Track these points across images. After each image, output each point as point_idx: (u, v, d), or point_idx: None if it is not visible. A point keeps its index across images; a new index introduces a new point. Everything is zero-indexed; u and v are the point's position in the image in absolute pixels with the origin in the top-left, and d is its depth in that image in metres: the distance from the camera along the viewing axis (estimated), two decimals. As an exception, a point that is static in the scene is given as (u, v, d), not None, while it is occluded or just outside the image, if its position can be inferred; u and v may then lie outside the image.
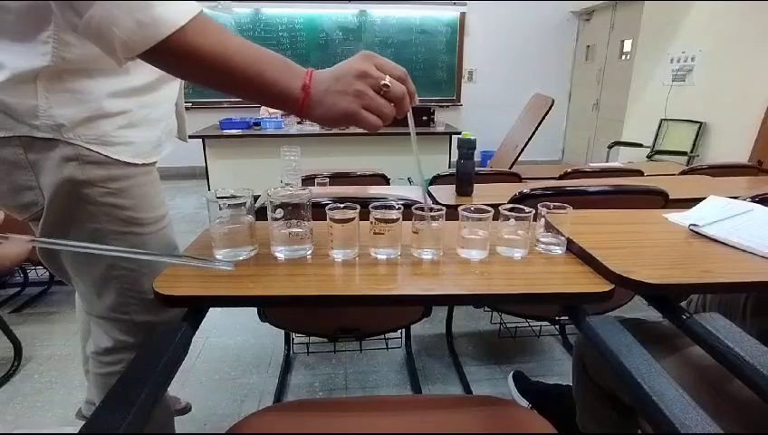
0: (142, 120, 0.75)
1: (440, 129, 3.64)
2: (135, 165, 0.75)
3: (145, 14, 0.51)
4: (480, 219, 0.70)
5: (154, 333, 0.89)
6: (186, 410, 1.39)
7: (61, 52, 0.62)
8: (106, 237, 0.74)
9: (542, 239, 0.74)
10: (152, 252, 0.75)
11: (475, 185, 1.47)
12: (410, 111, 0.63)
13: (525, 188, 1.20)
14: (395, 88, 0.59)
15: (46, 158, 0.67)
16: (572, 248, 0.73)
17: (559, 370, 1.65)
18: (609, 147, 3.91)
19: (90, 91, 0.67)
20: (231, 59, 0.55)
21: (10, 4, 0.58)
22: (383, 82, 0.58)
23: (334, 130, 3.49)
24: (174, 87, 0.83)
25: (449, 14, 4.98)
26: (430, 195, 1.48)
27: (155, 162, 0.81)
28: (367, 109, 0.59)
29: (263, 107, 4.18)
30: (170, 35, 0.52)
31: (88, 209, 0.72)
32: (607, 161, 3.78)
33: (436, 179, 1.94)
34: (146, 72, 0.73)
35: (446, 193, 1.48)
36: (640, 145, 3.90)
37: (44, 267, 0.87)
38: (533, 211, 0.72)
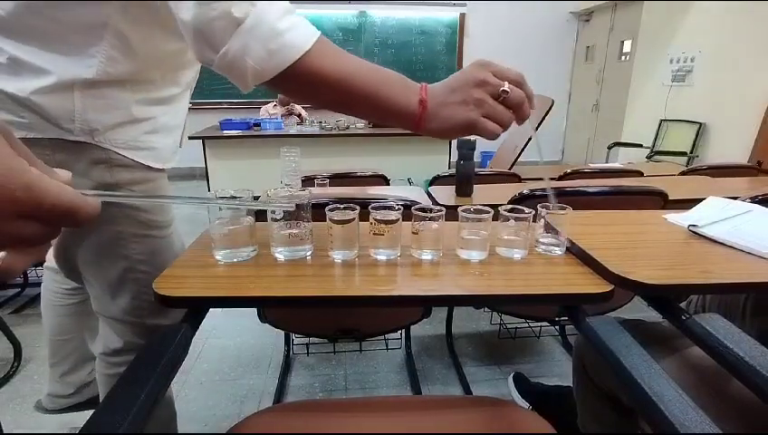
0: (164, 126, 0.77)
1: (440, 129, 3.64)
2: (156, 169, 0.77)
3: (275, 42, 0.53)
4: (480, 220, 0.70)
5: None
6: None
7: (106, 67, 0.64)
8: (126, 240, 0.76)
9: (541, 240, 0.75)
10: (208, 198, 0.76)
11: (474, 185, 1.47)
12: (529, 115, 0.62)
13: (525, 188, 1.21)
14: (514, 93, 0.58)
15: (76, 160, 0.68)
16: (572, 249, 0.73)
17: (559, 370, 1.65)
18: (609, 147, 3.91)
19: (122, 98, 0.69)
20: (351, 79, 0.57)
21: (62, 17, 0.59)
22: (502, 88, 0.57)
23: (334, 131, 3.49)
24: (188, 96, 0.85)
25: (449, 14, 4.98)
26: (430, 195, 1.48)
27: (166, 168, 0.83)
28: (486, 117, 0.58)
29: (262, 107, 4.18)
30: (297, 60, 0.54)
31: (110, 211, 0.73)
32: (606, 162, 3.79)
33: (436, 180, 1.94)
34: (172, 86, 0.75)
35: (445, 194, 1.49)
36: (640, 145, 3.91)
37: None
38: (533, 212, 0.72)
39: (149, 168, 0.75)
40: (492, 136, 0.59)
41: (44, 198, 0.26)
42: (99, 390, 1.02)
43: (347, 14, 4.83)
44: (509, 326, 1.74)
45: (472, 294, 0.62)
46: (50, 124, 0.65)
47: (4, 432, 1.35)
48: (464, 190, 1.46)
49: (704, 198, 0.93)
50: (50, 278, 1.20)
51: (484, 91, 0.57)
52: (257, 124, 3.47)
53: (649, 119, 4.08)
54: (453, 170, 1.51)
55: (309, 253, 0.72)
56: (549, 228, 0.74)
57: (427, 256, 0.71)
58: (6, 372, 1.59)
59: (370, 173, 1.90)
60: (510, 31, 5.13)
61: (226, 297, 0.59)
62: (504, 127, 0.60)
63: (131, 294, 0.81)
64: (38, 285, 2.16)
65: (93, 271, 0.80)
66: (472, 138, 1.41)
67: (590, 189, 1.22)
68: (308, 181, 1.61)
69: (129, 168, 0.72)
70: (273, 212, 0.68)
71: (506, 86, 0.57)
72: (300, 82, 0.57)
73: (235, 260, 0.68)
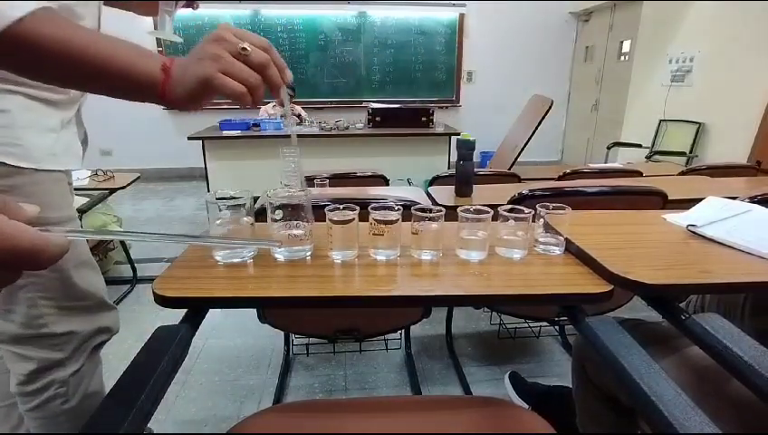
0: (31, 123, 0.72)
1: (439, 129, 3.64)
2: (26, 169, 0.71)
3: None
4: (479, 220, 0.70)
5: (79, 343, 0.83)
6: None
7: None
8: None
9: (540, 240, 0.75)
10: (216, 238, 0.71)
11: (474, 186, 1.47)
12: (284, 88, 0.59)
13: (524, 188, 1.21)
14: (256, 54, 0.54)
15: None
16: (571, 249, 0.73)
17: (558, 370, 1.65)
18: (609, 147, 3.91)
19: None
20: (78, 49, 0.51)
21: None
22: (241, 45, 0.54)
23: (334, 131, 3.49)
24: (70, 97, 0.79)
25: (448, 15, 4.98)
26: (429, 195, 1.48)
27: None
28: (225, 73, 0.53)
29: (262, 108, 4.18)
30: (6, 27, 0.49)
31: None
32: (606, 162, 3.79)
33: (436, 180, 1.94)
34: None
35: (445, 194, 1.49)
36: (639, 146, 3.91)
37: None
38: (532, 212, 0.72)
39: (7, 165, 0.69)
40: (235, 95, 0.54)
41: (1, 244, 0.24)
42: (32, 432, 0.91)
43: (346, 14, 4.83)
44: (509, 326, 1.75)
45: (471, 294, 0.62)
46: None
47: (5, 433, 1.34)
48: (463, 190, 1.46)
49: (703, 198, 0.93)
50: None
51: (220, 47, 0.53)
52: (257, 124, 3.47)
53: (649, 119, 4.08)
54: (452, 171, 1.51)
55: (308, 253, 0.72)
56: (548, 228, 0.74)
57: (426, 256, 0.71)
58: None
59: (370, 173, 1.90)
60: (509, 31, 5.13)
61: (226, 298, 0.59)
62: (251, 88, 0.55)
63: (26, 304, 0.74)
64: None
65: None
66: (471, 138, 1.41)
67: (590, 189, 1.22)
68: (307, 182, 1.61)
69: None
70: (274, 212, 0.68)
71: (246, 45, 0.54)
72: (15, 53, 0.51)
73: (235, 260, 0.68)
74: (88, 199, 1.99)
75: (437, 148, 3.59)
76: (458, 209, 0.71)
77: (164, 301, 0.59)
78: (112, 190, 2.10)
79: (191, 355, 1.71)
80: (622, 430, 0.88)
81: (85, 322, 0.84)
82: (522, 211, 0.71)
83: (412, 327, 1.72)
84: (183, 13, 0.88)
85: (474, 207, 0.70)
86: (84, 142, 0.92)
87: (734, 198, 0.94)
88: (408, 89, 5.18)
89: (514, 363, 1.69)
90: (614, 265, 0.64)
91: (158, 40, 4.20)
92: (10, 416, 0.96)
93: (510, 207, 0.72)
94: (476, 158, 3.26)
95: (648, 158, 3.79)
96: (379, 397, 1.44)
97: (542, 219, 0.75)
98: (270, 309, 1.13)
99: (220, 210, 0.68)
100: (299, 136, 3.44)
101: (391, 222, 0.68)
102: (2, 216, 0.25)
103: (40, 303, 0.76)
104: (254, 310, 1.11)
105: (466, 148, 1.43)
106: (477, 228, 0.71)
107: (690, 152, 3.58)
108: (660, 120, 3.98)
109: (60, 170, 0.77)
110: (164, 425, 1.39)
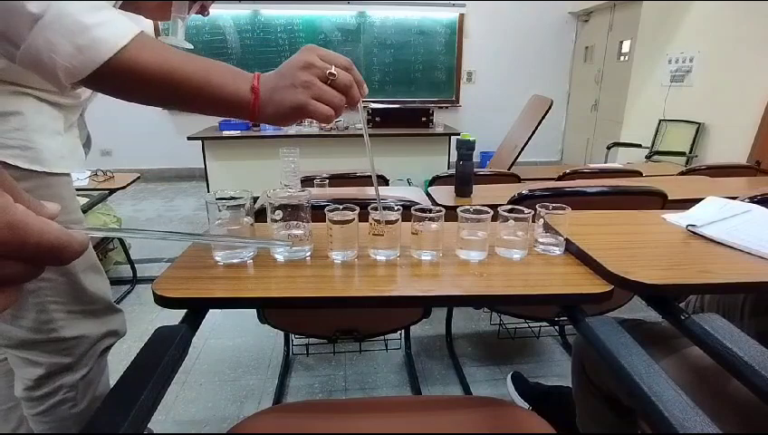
0: (42, 126, 0.72)
1: (439, 130, 3.65)
2: (39, 173, 0.72)
3: (84, 37, 0.51)
4: (479, 220, 0.70)
5: (88, 347, 0.83)
6: None
7: None
8: None
9: (540, 240, 0.75)
10: (223, 236, 0.73)
11: (474, 186, 1.47)
12: (361, 102, 0.64)
13: (524, 188, 1.21)
14: (341, 76, 0.59)
15: None
16: (571, 249, 0.73)
17: (558, 370, 1.65)
18: (608, 148, 3.91)
19: None
20: (176, 71, 0.55)
21: None
22: (329, 71, 0.58)
23: (334, 131, 3.49)
24: (74, 100, 0.79)
25: (448, 15, 4.98)
26: (429, 196, 1.48)
27: None
28: (317, 99, 0.58)
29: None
30: (114, 56, 0.52)
31: None
32: (606, 162, 3.79)
33: (436, 180, 1.94)
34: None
35: (445, 194, 1.49)
36: (639, 146, 3.91)
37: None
38: (532, 212, 0.72)
39: (20, 169, 0.69)
40: (324, 118, 0.59)
41: (28, 238, 0.24)
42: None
43: (346, 14, 4.83)
44: (508, 326, 1.75)
45: (471, 294, 0.62)
46: None
47: (5, 433, 1.34)
48: (463, 191, 1.46)
49: (703, 198, 0.93)
50: None
51: (311, 74, 0.58)
52: (256, 125, 3.47)
53: (648, 119, 4.08)
54: (452, 171, 1.51)
55: (308, 254, 0.72)
56: (548, 228, 0.74)
57: (426, 256, 0.71)
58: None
59: (370, 174, 1.90)
60: (509, 31, 5.13)
61: (226, 298, 0.59)
62: (336, 110, 0.60)
63: (36, 309, 0.73)
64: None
65: None
66: (471, 138, 1.42)
67: (590, 190, 1.22)
68: (307, 182, 1.61)
69: None
70: (273, 213, 0.69)
71: (333, 69, 0.58)
72: (121, 79, 0.55)
73: (235, 261, 0.68)
74: (88, 199, 1.99)
75: (437, 148, 3.59)
76: (458, 209, 0.71)
77: (164, 301, 0.59)
78: (112, 191, 2.10)
79: (191, 355, 1.71)
80: (622, 430, 0.88)
81: (94, 325, 0.83)
82: (521, 211, 0.71)
83: (412, 327, 1.72)
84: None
85: (473, 208, 0.70)
86: (87, 145, 0.92)
87: (733, 198, 0.94)
88: (407, 89, 5.18)
89: (514, 364, 1.69)
90: (614, 265, 0.64)
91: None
92: (9, 419, 0.96)
93: (510, 207, 0.72)
94: (476, 158, 3.25)
95: (647, 158, 3.79)
96: (378, 397, 1.44)
97: (541, 219, 0.75)
98: (270, 309, 1.13)
99: (220, 210, 0.68)
100: (299, 136, 3.44)
101: (391, 222, 0.68)
102: (29, 211, 0.25)
103: (50, 307, 0.75)
104: (254, 310, 1.11)
105: (466, 148, 1.43)
106: (477, 228, 0.71)
107: (690, 152, 3.58)
108: (660, 121, 3.98)
109: (67, 173, 0.77)
110: (164, 425, 1.39)
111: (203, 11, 0.85)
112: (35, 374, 0.79)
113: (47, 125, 0.73)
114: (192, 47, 0.80)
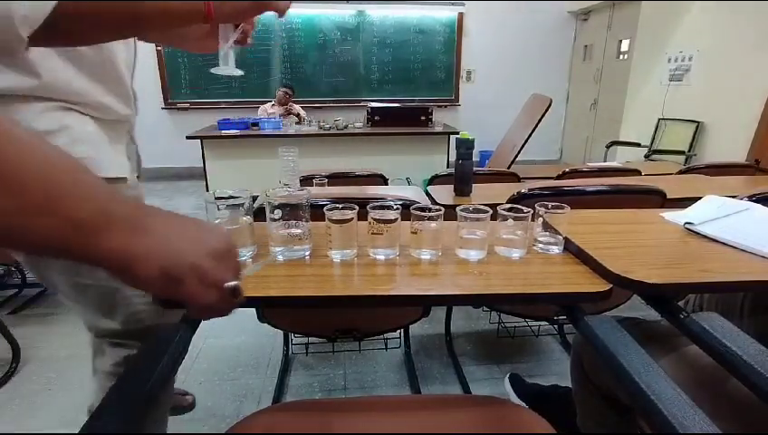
0: (89, 137, 0.76)
1: (438, 129, 3.64)
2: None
3: None
4: (478, 219, 0.70)
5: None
6: (191, 406, 1.41)
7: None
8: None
9: (540, 239, 0.75)
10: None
11: (473, 185, 1.47)
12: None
13: (523, 188, 1.21)
14: None
15: None
16: (570, 248, 0.73)
17: (557, 369, 1.65)
18: (607, 146, 3.91)
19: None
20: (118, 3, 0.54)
21: None
22: None
23: (333, 130, 3.49)
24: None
25: (447, 14, 4.98)
26: (428, 195, 1.48)
27: None
28: None
29: (261, 107, 4.17)
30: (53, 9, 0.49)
31: None
32: (605, 161, 3.79)
33: (435, 180, 1.94)
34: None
35: (444, 193, 1.49)
36: (638, 145, 3.91)
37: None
38: (531, 211, 0.72)
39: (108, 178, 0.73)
40: (281, 9, 0.62)
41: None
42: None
43: (345, 13, 4.82)
44: (508, 325, 1.75)
45: (470, 293, 0.62)
46: None
47: (4, 433, 1.34)
48: (462, 190, 1.46)
49: (702, 197, 0.94)
50: None
51: None
52: (255, 124, 3.47)
53: (647, 118, 4.09)
54: (451, 170, 1.51)
55: (307, 253, 0.72)
56: (547, 227, 0.74)
57: (425, 255, 0.71)
58: (5, 373, 1.58)
59: (369, 173, 1.90)
60: (508, 30, 5.13)
61: (225, 297, 0.59)
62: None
63: (124, 303, 0.80)
64: (36, 285, 2.17)
65: (76, 297, 0.78)
66: (470, 137, 1.41)
67: (589, 189, 1.22)
68: (306, 181, 1.61)
69: None
70: (273, 212, 0.68)
71: None
72: (81, 14, 0.52)
73: (234, 260, 0.68)
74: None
75: (436, 147, 3.58)
76: (457, 209, 0.71)
77: (163, 301, 0.58)
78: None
79: (190, 355, 1.71)
80: (621, 429, 0.88)
81: (174, 313, 0.88)
82: (521, 210, 0.71)
83: (411, 326, 1.71)
84: None
85: (473, 207, 0.70)
86: (134, 160, 0.94)
87: (732, 197, 0.94)
88: (406, 88, 5.18)
89: (513, 362, 1.70)
90: (613, 264, 0.64)
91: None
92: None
93: (509, 206, 0.72)
94: (475, 157, 3.25)
95: (646, 157, 3.80)
96: (378, 396, 1.44)
97: (541, 218, 0.75)
98: (269, 309, 1.13)
99: (219, 210, 0.68)
100: (298, 136, 3.44)
101: (390, 221, 0.68)
102: None
103: (135, 301, 0.81)
104: (254, 310, 1.11)
105: (465, 147, 1.43)
106: (476, 228, 0.71)
107: (689, 151, 3.58)
108: (659, 119, 3.99)
109: (123, 178, 0.81)
110: (163, 425, 1.39)
111: (244, 40, 0.79)
112: (126, 353, 0.87)
113: (94, 135, 0.76)
114: (243, 73, 0.80)
